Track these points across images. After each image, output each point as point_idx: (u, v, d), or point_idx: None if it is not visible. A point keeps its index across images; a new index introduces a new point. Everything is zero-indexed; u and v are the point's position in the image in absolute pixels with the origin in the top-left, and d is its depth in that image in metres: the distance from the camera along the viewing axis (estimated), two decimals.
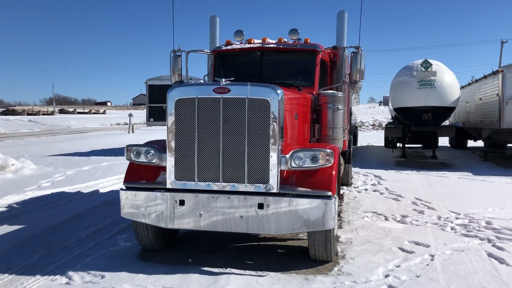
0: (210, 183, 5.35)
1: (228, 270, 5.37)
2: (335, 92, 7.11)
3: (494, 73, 16.92)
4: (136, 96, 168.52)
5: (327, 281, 5.02)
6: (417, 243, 6.42)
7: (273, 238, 6.68)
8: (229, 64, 7.82)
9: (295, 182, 5.33)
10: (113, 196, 9.98)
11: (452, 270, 5.32)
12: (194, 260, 5.75)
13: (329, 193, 5.15)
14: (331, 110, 7.05)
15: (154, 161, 5.58)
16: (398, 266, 5.48)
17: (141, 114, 76.43)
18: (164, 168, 5.60)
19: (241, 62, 7.83)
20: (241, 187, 5.26)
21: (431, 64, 16.78)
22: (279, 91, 5.25)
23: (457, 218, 7.94)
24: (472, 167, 16.37)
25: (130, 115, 44.47)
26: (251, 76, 7.55)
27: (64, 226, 7.36)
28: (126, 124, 60.24)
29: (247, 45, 7.58)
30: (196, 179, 5.38)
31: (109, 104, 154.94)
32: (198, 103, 5.31)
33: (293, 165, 5.24)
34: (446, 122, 19.68)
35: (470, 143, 23.78)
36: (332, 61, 8.18)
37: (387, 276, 5.15)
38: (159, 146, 5.69)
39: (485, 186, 11.62)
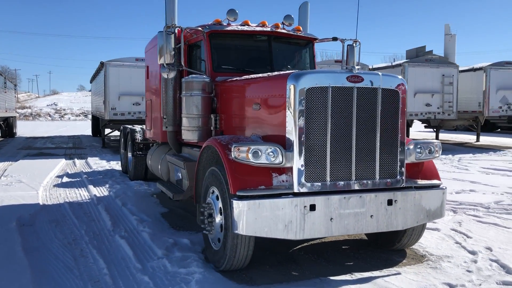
0: (342, 182, 4.79)
1: (359, 274, 4.96)
2: None
3: None
4: None
5: (452, 265, 5.24)
6: None
7: None
8: (227, 47, 6.82)
9: (408, 175, 5.30)
10: (11, 214, 7.31)
11: (493, 237, 6.27)
12: (300, 271, 5.04)
13: (441, 183, 5.35)
14: None
15: (278, 161, 4.60)
16: (457, 243, 6.10)
17: None
18: (279, 170, 4.70)
19: (242, 46, 6.92)
20: (372, 184, 4.92)
21: None
22: (405, 81, 5.10)
23: None
24: None
25: None
26: (257, 62, 6.83)
27: (41, 264, 5.15)
28: None
29: (258, 28, 6.77)
30: (328, 179, 4.73)
31: None
32: (332, 93, 4.66)
33: (417, 157, 5.21)
34: None
35: None
36: None
37: (473, 253, 5.68)
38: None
39: None
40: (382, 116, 4.88)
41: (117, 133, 20.95)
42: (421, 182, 5.23)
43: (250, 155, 4.52)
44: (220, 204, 4.91)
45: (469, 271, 5.08)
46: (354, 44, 7.33)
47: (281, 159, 4.59)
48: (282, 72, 5.42)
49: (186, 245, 5.85)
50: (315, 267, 5.21)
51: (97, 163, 14.13)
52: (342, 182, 4.78)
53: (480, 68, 20.13)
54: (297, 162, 4.60)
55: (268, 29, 6.80)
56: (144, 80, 17.69)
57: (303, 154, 4.61)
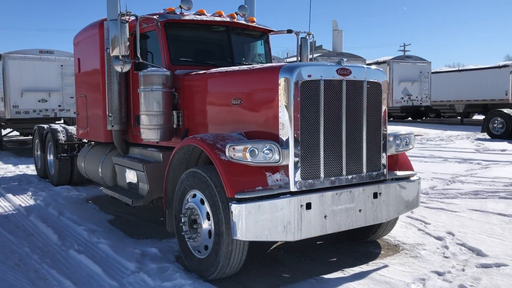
0: (334, 178, 4.67)
1: (350, 270, 4.90)
2: None
3: None
4: None
5: (429, 253, 5.39)
6: None
7: None
8: (185, 39, 6.31)
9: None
10: None
11: (447, 221, 6.62)
12: (291, 273, 4.85)
13: (415, 173, 5.47)
14: None
15: (274, 159, 4.33)
16: (420, 230, 6.33)
17: None
18: (272, 168, 4.45)
19: (200, 37, 6.44)
20: (360, 178, 4.87)
21: None
22: (386, 74, 5.10)
23: None
24: None
25: None
26: (217, 54, 6.44)
27: None
28: None
29: (217, 18, 6.34)
30: (322, 176, 4.58)
31: None
32: (324, 87, 4.51)
33: (396, 149, 5.24)
34: None
35: None
36: None
37: (440, 239, 5.91)
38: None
39: None
40: (367, 109, 4.84)
41: (15, 133, 19.01)
42: (399, 173, 5.30)
43: (247, 155, 4.20)
44: (207, 209, 4.52)
45: (446, 257, 5.27)
46: (307, 37, 7.25)
47: (277, 157, 4.33)
48: (269, 65, 5.17)
49: (156, 255, 5.35)
50: (302, 266, 5.05)
51: (3, 168, 12.57)
52: (334, 178, 4.66)
53: (384, 62, 21.46)
54: (293, 159, 4.38)
55: (227, 19, 6.44)
56: (48, 74, 16.37)
57: (299, 150, 4.40)
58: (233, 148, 4.21)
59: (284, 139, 4.40)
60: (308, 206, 4.44)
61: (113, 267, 5.01)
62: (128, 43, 5.74)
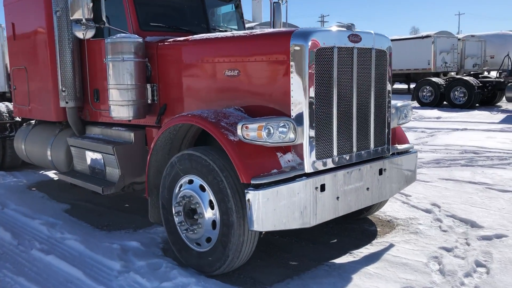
0: (345, 155, 4.29)
1: (358, 252, 4.60)
2: None
3: None
4: None
5: (426, 227, 5.24)
6: None
7: None
8: (154, 1, 5.49)
9: None
10: None
11: (425, 192, 6.57)
12: (297, 259, 4.45)
13: (412, 146, 5.25)
14: None
15: (289, 138, 3.83)
16: (405, 203, 6.20)
17: None
18: (283, 149, 3.96)
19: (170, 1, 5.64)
20: (368, 154, 4.53)
21: None
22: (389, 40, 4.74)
23: None
24: None
25: None
26: (191, 20, 5.71)
27: None
28: None
29: None
30: (335, 154, 4.17)
31: None
32: (338, 54, 4.05)
33: (398, 122, 4.96)
34: None
35: None
36: None
37: (429, 211, 5.81)
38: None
39: None
40: (375, 79, 4.47)
41: None
42: (400, 147, 5.03)
43: (263, 134, 3.66)
44: (210, 197, 3.94)
45: (444, 231, 5.15)
46: (281, 2, 6.70)
47: (293, 136, 3.84)
48: (276, 30, 4.59)
49: (139, 249, 4.70)
50: (306, 251, 4.68)
51: None
52: (346, 156, 4.28)
53: None
54: (308, 137, 3.91)
55: None
56: None
57: (314, 128, 3.93)
58: (247, 127, 3.64)
59: (297, 114, 3.90)
60: (322, 188, 4.03)
61: (94, 267, 4.30)
62: (91, 4, 4.86)
